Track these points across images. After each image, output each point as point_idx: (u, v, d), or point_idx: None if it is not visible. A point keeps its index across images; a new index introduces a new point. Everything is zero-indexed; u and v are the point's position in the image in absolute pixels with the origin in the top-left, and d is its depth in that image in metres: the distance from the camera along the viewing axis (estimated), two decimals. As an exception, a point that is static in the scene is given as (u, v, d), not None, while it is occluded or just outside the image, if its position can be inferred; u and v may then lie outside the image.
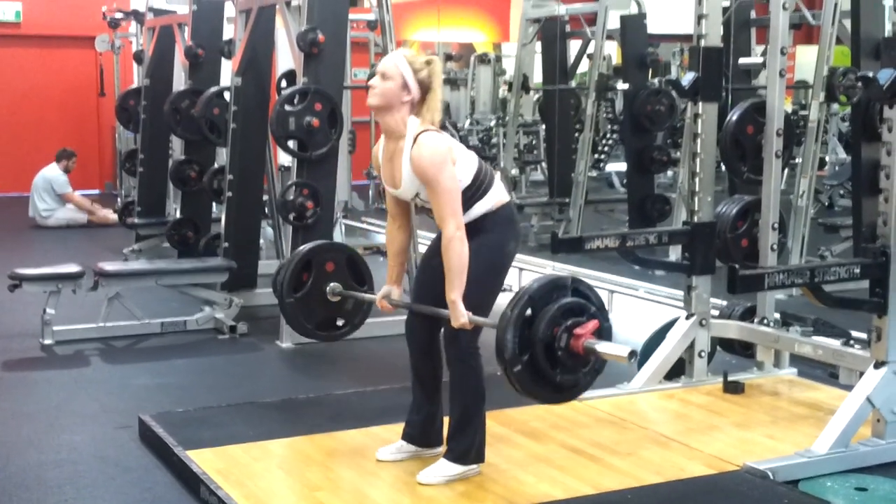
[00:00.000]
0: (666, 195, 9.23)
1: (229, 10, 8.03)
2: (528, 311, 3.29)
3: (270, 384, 5.45)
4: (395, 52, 3.74)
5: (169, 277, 6.61)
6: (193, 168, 8.24)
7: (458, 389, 3.76)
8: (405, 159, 3.65)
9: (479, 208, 3.70)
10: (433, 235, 3.87)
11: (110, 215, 11.34)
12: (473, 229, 3.66)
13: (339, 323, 4.37)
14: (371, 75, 6.26)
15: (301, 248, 4.33)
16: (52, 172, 11.52)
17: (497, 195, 3.74)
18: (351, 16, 6.87)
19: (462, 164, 3.66)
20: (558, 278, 3.41)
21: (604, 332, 3.33)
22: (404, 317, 3.99)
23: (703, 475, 3.92)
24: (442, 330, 3.75)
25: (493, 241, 3.70)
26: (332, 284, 4.24)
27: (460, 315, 3.57)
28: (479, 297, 3.67)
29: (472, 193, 3.68)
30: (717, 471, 3.95)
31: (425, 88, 3.68)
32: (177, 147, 8.97)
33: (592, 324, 3.29)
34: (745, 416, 4.59)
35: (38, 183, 11.46)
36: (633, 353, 3.18)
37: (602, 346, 3.25)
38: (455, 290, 3.57)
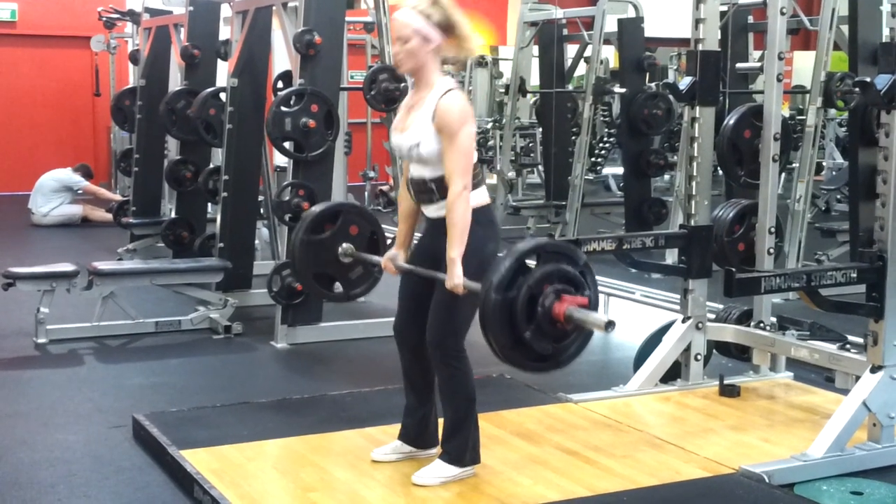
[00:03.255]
0: (663, 199, 9.23)
1: (226, 11, 8.02)
2: (532, 259, 3.28)
3: (265, 384, 5.44)
4: (401, 10, 3.65)
5: (164, 277, 6.59)
6: (189, 168, 8.22)
7: (448, 392, 3.75)
8: (426, 107, 3.63)
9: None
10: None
11: (105, 215, 11.33)
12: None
13: (336, 286, 4.31)
14: (367, 77, 6.29)
15: (337, 201, 4.27)
16: (65, 174, 11.48)
17: (482, 195, 3.73)
18: (348, 18, 6.85)
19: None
20: (575, 251, 3.40)
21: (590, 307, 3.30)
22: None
23: (699, 478, 3.91)
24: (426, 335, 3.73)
25: (472, 243, 3.61)
26: (345, 245, 4.18)
27: (456, 275, 3.53)
28: (464, 307, 3.65)
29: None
30: (712, 474, 3.95)
31: (445, 26, 3.64)
32: (172, 147, 8.96)
33: (581, 298, 3.28)
34: (741, 420, 4.59)
35: (47, 183, 11.41)
36: (610, 323, 3.15)
37: (581, 313, 3.22)
38: (455, 248, 3.54)
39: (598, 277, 6.45)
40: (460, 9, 3.68)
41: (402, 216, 3.95)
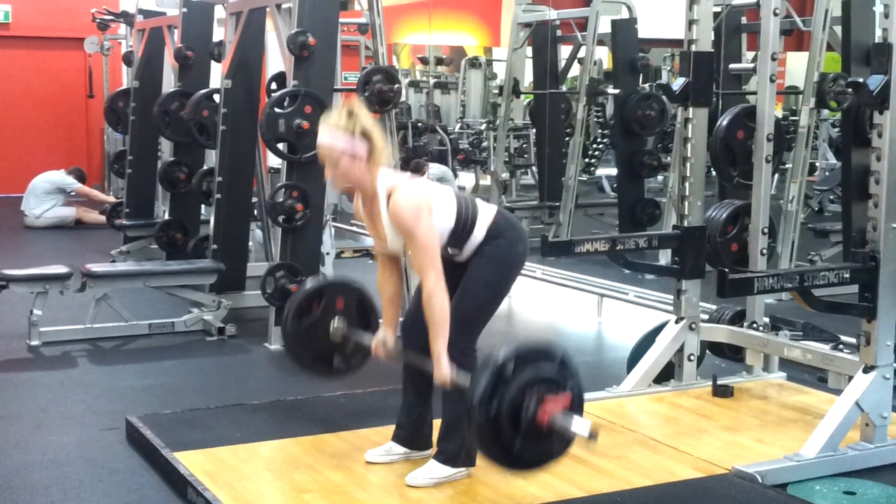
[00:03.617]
0: (656, 199, 9.25)
1: (219, 13, 8.01)
2: (510, 368, 3.24)
3: (258, 386, 5.44)
4: (321, 131, 3.63)
5: (157, 279, 6.59)
6: (182, 170, 8.21)
7: (451, 392, 3.75)
8: (384, 216, 3.66)
9: (477, 235, 3.73)
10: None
11: (98, 217, 11.31)
12: (480, 246, 3.72)
13: (337, 362, 4.27)
14: (361, 78, 6.29)
15: (316, 280, 4.33)
16: (58, 176, 11.47)
17: (486, 215, 3.76)
18: (342, 19, 6.85)
19: (441, 209, 3.67)
20: (550, 346, 3.37)
21: (573, 409, 3.27)
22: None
23: (692, 478, 3.92)
24: None
25: (501, 245, 3.73)
26: (336, 324, 4.14)
27: (444, 372, 3.56)
28: (484, 305, 3.75)
29: (463, 228, 3.71)
30: (706, 474, 3.95)
31: (366, 137, 3.62)
32: (166, 149, 8.95)
33: (564, 398, 3.25)
34: (734, 420, 4.60)
35: (39, 185, 11.40)
36: (592, 435, 3.14)
37: (564, 421, 3.20)
38: (439, 342, 3.57)
39: (590, 278, 6.45)
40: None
41: (386, 300, 3.94)
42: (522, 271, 3.96)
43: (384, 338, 3.93)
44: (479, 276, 3.73)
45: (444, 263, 3.66)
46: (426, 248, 3.57)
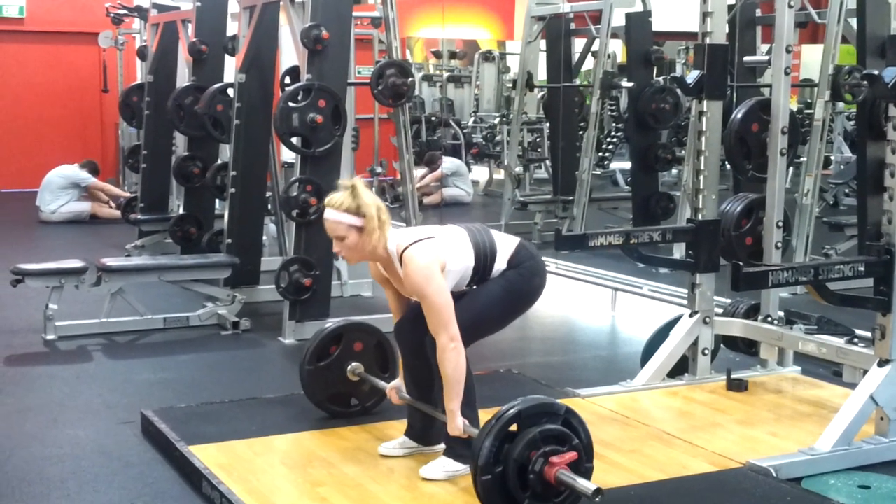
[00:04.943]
0: (670, 193, 9.22)
1: (233, 7, 8.03)
2: (513, 427, 3.30)
3: (273, 380, 5.45)
4: (326, 210, 3.67)
5: (172, 273, 6.61)
6: (196, 164, 8.24)
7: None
8: (402, 277, 3.69)
9: (498, 267, 3.77)
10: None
11: (113, 211, 11.35)
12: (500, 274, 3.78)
13: (353, 402, 4.47)
14: (374, 72, 6.29)
15: (336, 321, 4.47)
16: (72, 170, 11.51)
17: (506, 247, 3.80)
18: (355, 13, 6.85)
19: (456, 255, 3.70)
20: (552, 404, 3.39)
21: (581, 468, 3.31)
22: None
23: (707, 472, 3.91)
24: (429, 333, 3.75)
25: (521, 273, 3.77)
26: (354, 364, 4.36)
27: (456, 426, 3.63)
28: (488, 315, 3.79)
29: (484, 263, 3.75)
30: (720, 468, 3.94)
31: (364, 212, 3.64)
32: (180, 143, 8.98)
33: (570, 455, 3.28)
34: (749, 414, 4.59)
35: (54, 180, 11.44)
36: (598, 491, 3.15)
37: (571, 478, 3.22)
38: (453, 401, 3.62)
39: (604, 272, 6.44)
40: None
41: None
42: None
43: (399, 385, 4.04)
44: (487, 293, 3.77)
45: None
46: (438, 310, 3.59)
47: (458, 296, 3.71)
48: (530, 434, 3.27)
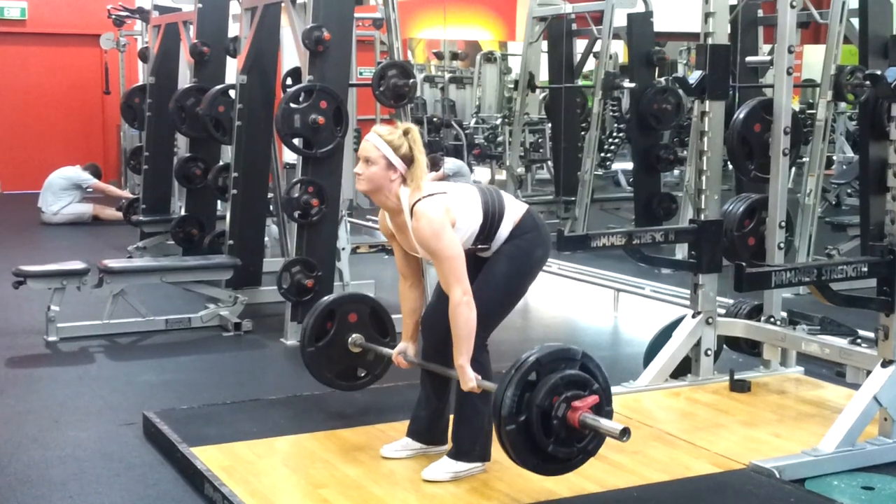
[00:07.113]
0: (672, 193, 9.22)
1: (234, 8, 8.03)
2: (533, 375, 3.30)
3: (275, 381, 5.45)
4: (372, 133, 3.69)
5: (174, 274, 6.60)
6: (198, 166, 8.23)
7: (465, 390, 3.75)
8: (411, 231, 3.67)
9: (503, 232, 3.74)
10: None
11: (115, 213, 11.35)
12: (504, 244, 3.75)
13: (361, 373, 4.46)
14: (376, 73, 6.29)
15: (325, 298, 4.42)
16: (74, 172, 11.51)
17: (514, 212, 3.77)
18: (357, 14, 6.85)
19: (466, 211, 3.68)
20: (569, 349, 3.40)
21: (602, 411, 3.32)
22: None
23: (709, 473, 3.90)
24: None
25: (520, 245, 3.75)
26: (353, 335, 4.34)
27: (469, 380, 3.61)
28: (499, 301, 3.76)
29: (490, 223, 3.72)
30: (723, 469, 3.94)
31: (409, 160, 3.66)
32: (182, 145, 8.98)
33: (592, 398, 3.29)
34: (752, 415, 4.58)
35: (55, 182, 11.43)
36: (625, 431, 3.17)
37: (595, 420, 3.25)
38: (463, 356, 3.61)
39: (607, 272, 6.44)
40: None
41: (406, 312, 3.99)
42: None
43: (405, 348, 4.00)
44: (496, 273, 3.75)
45: (468, 256, 3.68)
46: (450, 264, 3.58)
47: None
48: (551, 380, 3.27)
